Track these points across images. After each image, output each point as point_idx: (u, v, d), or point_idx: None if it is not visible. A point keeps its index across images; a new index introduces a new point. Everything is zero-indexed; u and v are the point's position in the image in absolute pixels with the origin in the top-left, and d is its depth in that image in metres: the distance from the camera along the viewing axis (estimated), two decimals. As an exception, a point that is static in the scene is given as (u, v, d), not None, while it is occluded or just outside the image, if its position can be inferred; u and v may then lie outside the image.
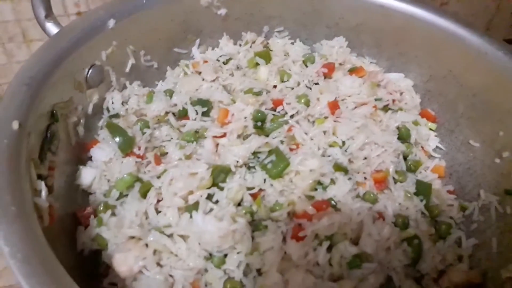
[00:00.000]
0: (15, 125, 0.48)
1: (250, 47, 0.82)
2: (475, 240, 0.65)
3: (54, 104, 0.58)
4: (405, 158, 0.73)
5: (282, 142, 0.68)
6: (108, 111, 0.70)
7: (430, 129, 0.78)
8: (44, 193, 0.48)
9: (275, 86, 0.76)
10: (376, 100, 0.74)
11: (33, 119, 0.52)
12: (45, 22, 0.62)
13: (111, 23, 0.66)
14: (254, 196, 0.62)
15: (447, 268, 0.62)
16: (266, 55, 0.79)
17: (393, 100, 0.76)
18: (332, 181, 0.63)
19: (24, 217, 0.41)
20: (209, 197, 0.60)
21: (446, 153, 0.77)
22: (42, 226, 0.45)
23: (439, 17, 0.73)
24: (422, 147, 0.76)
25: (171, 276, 0.55)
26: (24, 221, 0.41)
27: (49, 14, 0.62)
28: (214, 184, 0.62)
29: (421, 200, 0.67)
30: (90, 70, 0.65)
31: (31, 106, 0.52)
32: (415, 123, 0.76)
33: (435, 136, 0.78)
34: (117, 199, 0.62)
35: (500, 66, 0.67)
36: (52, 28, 0.62)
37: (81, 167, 0.63)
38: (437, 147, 0.78)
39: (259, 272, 0.57)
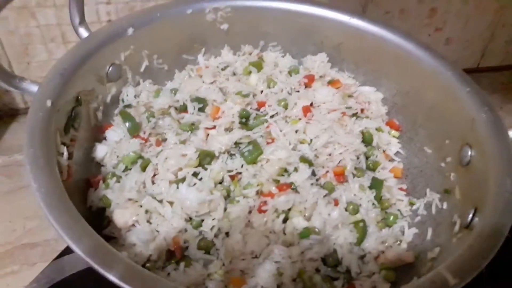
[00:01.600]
0: (48, 103, 0.64)
1: (247, 57, 0.97)
2: (415, 230, 0.77)
3: (79, 91, 0.74)
4: (367, 158, 0.86)
5: (262, 136, 0.83)
6: (123, 101, 0.86)
7: (394, 136, 0.90)
8: (65, 154, 0.64)
9: (262, 91, 0.91)
10: (346, 108, 0.88)
11: (62, 100, 0.68)
12: (79, 27, 0.79)
13: (130, 31, 0.82)
14: (232, 177, 0.77)
15: (386, 248, 0.75)
16: (258, 65, 0.94)
17: (362, 110, 0.89)
18: (296, 169, 0.76)
19: (49, 167, 0.57)
20: (195, 174, 0.75)
21: (405, 158, 0.89)
22: (62, 179, 0.61)
23: (404, 40, 0.86)
24: (384, 150, 0.89)
25: (157, 231, 0.70)
26: (48, 169, 0.56)
27: (82, 21, 0.78)
28: (201, 165, 0.77)
29: (373, 193, 0.80)
30: (111, 68, 0.81)
31: (61, 90, 0.68)
32: (378, 129, 0.89)
33: (398, 142, 0.90)
34: (123, 171, 0.77)
35: (448, 84, 0.79)
36: (84, 33, 0.79)
37: (96, 143, 0.79)
38: (398, 152, 0.90)
39: (227, 234, 0.71)
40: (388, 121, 0.92)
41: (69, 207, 0.52)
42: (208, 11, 0.90)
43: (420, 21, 1.33)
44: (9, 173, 1.03)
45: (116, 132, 0.81)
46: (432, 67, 0.82)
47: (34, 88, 0.68)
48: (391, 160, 0.89)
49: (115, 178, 0.74)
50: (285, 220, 0.71)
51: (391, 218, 0.79)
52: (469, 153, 0.71)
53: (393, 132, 0.90)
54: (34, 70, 1.11)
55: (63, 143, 0.66)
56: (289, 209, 0.72)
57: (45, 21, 1.05)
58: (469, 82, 0.76)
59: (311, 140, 0.82)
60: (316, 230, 0.71)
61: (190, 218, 0.71)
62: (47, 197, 0.52)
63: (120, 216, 0.69)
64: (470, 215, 0.64)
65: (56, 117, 0.65)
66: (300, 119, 0.85)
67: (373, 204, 0.79)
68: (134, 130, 0.80)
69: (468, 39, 1.42)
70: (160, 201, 0.72)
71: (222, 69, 0.94)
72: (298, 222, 0.71)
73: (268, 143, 0.82)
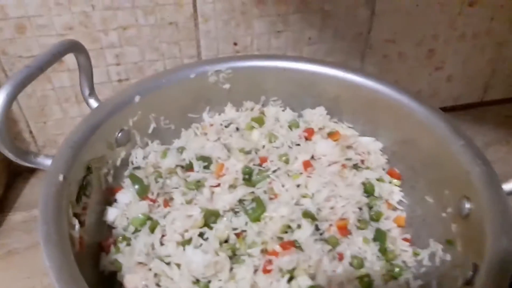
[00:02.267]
0: (61, 177, 0.68)
1: (249, 113, 1.01)
2: (420, 281, 0.78)
3: (90, 160, 0.78)
4: (370, 208, 0.88)
5: (265, 192, 0.86)
6: (132, 164, 0.90)
7: (395, 185, 0.92)
8: (77, 227, 0.68)
9: (264, 146, 0.94)
10: (346, 159, 0.91)
11: (74, 172, 0.72)
12: (88, 99, 0.84)
13: (137, 98, 0.87)
14: (237, 235, 0.80)
15: (392, 302, 0.76)
16: (260, 120, 0.98)
17: (362, 160, 0.92)
18: (299, 226, 0.79)
19: (62, 244, 0.60)
20: (201, 234, 0.78)
21: (408, 206, 0.91)
22: (74, 252, 0.64)
23: (396, 92, 0.89)
24: (386, 200, 0.91)
25: (166, 294, 0.72)
26: (61, 246, 0.60)
27: (92, 93, 0.84)
28: (206, 224, 0.80)
29: (377, 245, 0.82)
30: (120, 133, 0.86)
31: (72, 163, 0.72)
32: (380, 179, 0.91)
33: (400, 191, 0.92)
34: (133, 232, 0.80)
35: (442, 135, 0.80)
36: (93, 103, 0.84)
37: (107, 207, 0.83)
38: (401, 200, 0.92)
39: (234, 296, 0.73)
40: (389, 170, 0.94)
41: (81, 284, 0.55)
42: (211, 74, 0.95)
43: (419, 62, 1.36)
44: (28, 229, 1.07)
45: (126, 194, 0.84)
46: (424, 117, 0.85)
47: (48, 162, 0.72)
48: (395, 209, 0.91)
49: (125, 242, 0.78)
50: (290, 279, 0.73)
51: (396, 270, 0.80)
52: (466, 205, 0.73)
53: (394, 181, 0.92)
54: (50, 128, 1.18)
55: (75, 214, 0.70)
56: (294, 268, 0.74)
57: (60, 84, 1.12)
58: (463, 135, 0.78)
59: (313, 194, 0.84)
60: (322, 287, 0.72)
61: (197, 280, 0.73)
62: (60, 275, 0.55)
63: (131, 281, 0.72)
64: (470, 272, 0.65)
65: (68, 190, 0.69)
66: (301, 173, 0.87)
67: (378, 256, 0.81)
68: (143, 192, 0.84)
69: (469, 75, 1.45)
70: (168, 263, 0.75)
71: (226, 126, 0.98)
72: (303, 281, 0.72)
73: (271, 198, 0.84)
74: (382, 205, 0.89)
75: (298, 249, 0.76)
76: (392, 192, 0.91)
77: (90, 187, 0.78)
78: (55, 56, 0.73)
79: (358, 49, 1.28)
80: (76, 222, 0.68)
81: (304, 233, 0.77)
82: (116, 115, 0.84)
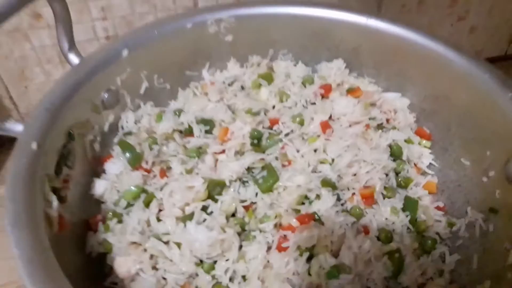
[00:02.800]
0: (33, 145, 0.57)
1: (255, 69, 0.88)
2: (458, 256, 0.68)
3: (71, 125, 0.66)
4: (397, 174, 0.77)
5: (276, 158, 0.74)
6: (123, 128, 0.79)
7: (425, 146, 0.81)
8: (55, 204, 0.57)
9: (274, 106, 0.82)
10: (370, 119, 0.79)
11: (51, 139, 0.60)
12: (68, 54, 0.71)
13: (125, 52, 0.74)
14: (246, 208, 0.69)
15: (427, 281, 0.66)
16: (268, 77, 0.85)
17: (387, 120, 0.80)
18: (318, 196, 0.68)
19: (33, 225, 0.49)
20: (204, 208, 0.67)
21: (439, 170, 0.80)
22: (52, 233, 0.53)
23: (429, 40, 0.76)
24: (415, 164, 0.79)
25: (164, 278, 0.62)
26: (32, 228, 0.49)
27: (72, 46, 0.71)
28: (210, 196, 0.69)
29: (407, 216, 0.71)
30: (106, 94, 0.74)
31: (49, 128, 0.61)
32: (408, 141, 0.79)
33: (430, 153, 0.81)
34: (125, 208, 0.70)
35: (486, 88, 0.69)
36: (74, 59, 0.71)
37: (95, 179, 0.72)
38: (431, 164, 0.80)
39: (244, 278, 0.63)
40: (417, 129, 0.82)
41: (57, 279, 0.45)
42: (210, 23, 0.82)
43: (440, 11, 1.23)
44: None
45: (116, 164, 0.73)
46: (464, 68, 0.72)
47: (20, 127, 0.60)
48: (424, 173, 0.79)
49: (116, 219, 0.67)
50: (309, 258, 0.63)
51: (429, 242, 0.70)
52: (518, 168, 0.62)
53: (424, 142, 0.81)
54: (33, 93, 1.07)
55: (54, 189, 0.59)
56: (313, 245, 0.63)
57: (40, 43, 1.00)
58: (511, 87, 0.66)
59: (333, 159, 0.73)
60: (347, 267, 0.62)
61: (201, 261, 0.63)
62: (30, 266, 0.45)
63: (122, 264, 0.62)
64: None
65: (43, 160, 0.58)
66: (318, 136, 0.76)
67: (408, 228, 0.70)
68: (135, 161, 0.73)
69: (494, 26, 1.33)
70: (167, 243, 0.64)
71: (229, 84, 0.86)
72: (324, 260, 0.62)
73: (284, 166, 0.73)
74: (410, 169, 0.77)
75: (317, 223, 0.65)
76: (421, 154, 0.80)
77: (72, 157, 0.67)
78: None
79: (375, -1, 1.14)
80: (54, 198, 0.57)
81: (324, 204, 0.66)
82: (101, 73, 0.72)
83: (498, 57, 1.41)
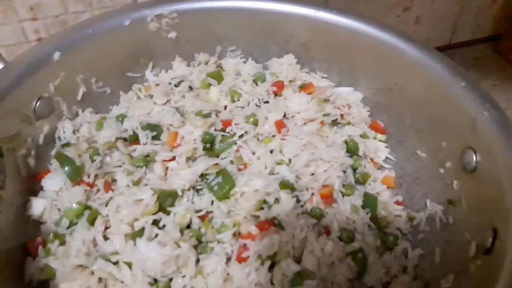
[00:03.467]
0: (-50, 168, 0.50)
1: (203, 68, 0.83)
2: (420, 250, 0.67)
3: (-2, 140, 0.59)
4: (354, 171, 0.75)
5: (232, 162, 0.70)
6: (60, 140, 0.71)
7: (380, 140, 0.79)
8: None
9: (226, 107, 0.78)
10: (324, 115, 0.76)
11: (-28, 158, 0.53)
12: (-12, 58, 0.64)
13: (57, 55, 0.67)
14: (202, 218, 0.64)
15: (392, 280, 0.64)
16: (217, 76, 0.81)
17: (342, 115, 0.78)
18: (277, 200, 0.64)
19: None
20: (156, 222, 0.62)
21: (396, 164, 0.79)
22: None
23: (380, 31, 0.74)
24: (371, 159, 0.78)
25: (116, 303, 0.57)
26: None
27: (-7, 51, 0.63)
28: (162, 209, 0.64)
29: (367, 213, 0.69)
30: (38, 103, 0.67)
31: (-31, 146, 0.53)
32: (364, 136, 0.77)
33: (386, 147, 0.79)
34: (68, 227, 0.63)
35: (439, 79, 0.68)
36: (-4, 64, 0.64)
37: (31, 198, 0.65)
38: (387, 158, 0.79)
39: (203, 294, 0.58)
40: (372, 123, 0.81)
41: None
42: (151, 20, 0.76)
43: (386, 2, 1.23)
44: None
45: (54, 179, 0.66)
46: (416, 59, 0.71)
47: None
48: (381, 168, 0.78)
49: (57, 241, 0.60)
50: (271, 266, 0.59)
51: (391, 239, 0.68)
52: (474, 158, 0.61)
53: (379, 135, 0.79)
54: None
55: (-20, 215, 0.52)
56: (275, 253, 0.60)
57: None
58: (464, 75, 0.65)
59: (290, 160, 0.69)
60: (310, 273, 0.59)
61: (155, 280, 0.58)
62: None
63: (67, 291, 0.55)
64: (490, 238, 0.53)
65: (-37, 183, 0.50)
66: (274, 136, 0.72)
67: (369, 226, 0.68)
68: (76, 175, 0.66)
69: (438, 15, 1.35)
70: (116, 263, 0.59)
71: (176, 85, 0.80)
72: (287, 267, 0.59)
73: (240, 169, 0.69)
74: (367, 165, 0.76)
75: (277, 228, 0.62)
76: (377, 149, 0.78)
77: (2, 176, 0.59)
78: None
79: (321, -11, 1.12)
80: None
81: (283, 208, 0.63)
82: (31, 79, 0.65)
83: (443, 46, 1.43)
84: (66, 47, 0.68)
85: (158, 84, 0.80)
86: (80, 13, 0.94)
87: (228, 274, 0.58)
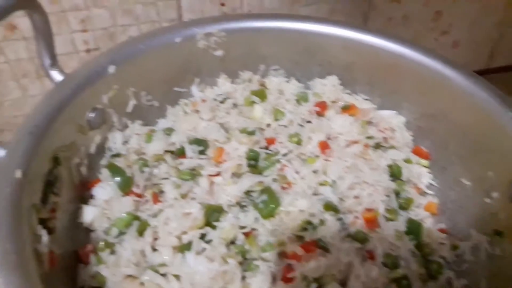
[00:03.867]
0: (18, 173, 0.51)
1: (247, 85, 0.85)
2: (465, 281, 0.66)
3: (57, 149, 0.61)
4: (397, 196, 0.75)
5: (275, 180, 0.71)
6: (110, 150, 0.73)
7: (423, 166, 0.79)
8: (44, 238, 0.51)
9: (269, 125, 0.79)
10: (367, 138, 0.77)
11: (36, 165, 0.55)
12: (50, 70, 0.66)
13: (112, 68, 0.69)
14: (246, 235, 0.65)
15: (435, 309, 0.64)
16: (261, 94, 0.82)
17: (385, 138, 0.78)
18: (322, 222, 0.65)
19: (23, 265, 0.44)
20: (203, 236, 0.63)
21: (439, 190, 0.78)
22: (42, 271, 0.48)
23: (427, 57, 0.75)
24: (414, 184, 0.77)
25: (163, 315, 0.57)
26: (23, 269, 0.44)
27: (54, 63, 0.66)
28: (208, 223, 0.65)
29: (411, 240, 0.69)
30: (92, 114, 0.69)
31: (34, 154, 0.55)
32: (407, 161, 0.77)
33: (428, 173, 0.79)
34: (117, 236, 0.65)
35: (486, 107, 0.68)
36: (57, 76, 0.66)
37: (83, 205, 0.66)
38: (430, 184, 0.79)
39: (249, 312, 0.59)
40: (415, 148, 0.81)
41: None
42: (200, 38, 0.78)
43: (425, 25, 1.24)
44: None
45: (105, 189, 0.68)
46: (462, 87, 0.71)
47: (1, 152, 0.55)
48: (423, 194, 0.78)
49: (108, 250, 0.62)
50: (318, 289, 0.59)
51: (435, 267, 0.68)
52: (524, 191, 0.61)
53: (422, 161, 0.79)
54: (7, 109, 1.01)
55: (41, 220, 0.53)
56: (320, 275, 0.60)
57: (15, 56, 0.94)
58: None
59: (334, 181, 0.70)
60: (355, 298, 0.59)
61: (202, 295, 0.59)
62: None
63: (118, 301, 0.57)
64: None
65: (29, 189, 0.52)
66: (317, 156, 0.73)
67: (412, 252, 0.68)
68: (126, 186, 0.68)
69: (476, 40, 1.34)
70: (164, 275, 0.60)
71: (221, 102, 0.82)
72: (332, 290, 0.59)
73: (283, 188, 0.70)
74: (410, 190, 0.76)
75: (322, 251, 0.62)
76: (420, 174, 0.78)
77: (59, 183, 0.61)
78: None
79: (360, 10, 1.13)
80: (43, 232, 0.52)
81: (329, 229, 0.64)
82: (87, 91, 0.67)
83: (481, 70, 1.43)
84: (120, 61, 0.70)
85: (204, 100, 0.81)
86: (127, 26, 0.97)
87: (274, 293, 0.59)
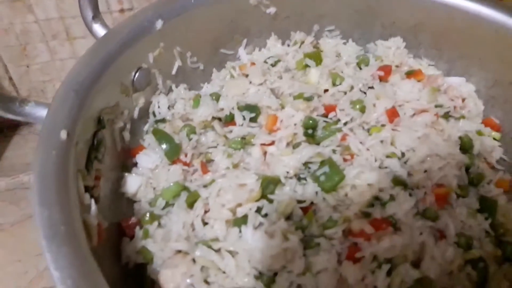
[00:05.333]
0: (63, 134, 0.46)
1: (299, 47, 0.77)
2: (547, 264, 0.60)
3: (101, 110, 0.55)
4: (466, 170, 0.68)
5: (334, 151, 0.64)
6: (154, 115, 0.68)
7: (494, 138, 0.72)
8: (93, 209, 0.46)
9: (326, 90, 0.72)
10: (436, 106, 0.69)
11: (81, 127, 0.49)
12: (92, 24, 0.60)
13: (159, 24, 0.63)
14: (304, 210, 0.59)
15: (517, 295, 0.57)
16: (316, 57, 0.75)
17: (455, 107, 0.70)
18: (392, 197, 0.58)
19: (73, 238, 0.39)
20: (258, 210, 0.57)
21: (510, 166, 0.71)
22: (91, 245, 0.43)
23: (510, 17, 0.66)
24: (484, 158, 0.70)
25: (218, 295, 0.52)
26: (73, 242, 0.38)
27: (96, 15, 0.60)
28: (263, 195, 0.59)
29: (486, 219, 0.62)
30: (137, 74, 0.63)
31: (79, 114, 0.50)
32: (479, 133, 0.70)
33: (499, 146, 0.72)
34: (163, 208, 0.59)
35: None
36: (99, 30, 0.60)
37: (126, 174, 0.61)
38: (501, 158, 0.71)
39: (313, 294, 0.53)
40: (485, 119, 0.73)
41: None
42: (253, -8, 0.70)
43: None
44: (14, 199, 0.86)
45: (150, 156, 0.62)
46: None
47: (42, 112, 0.49)
48: (494, 169, 0.70)
49: (155, 222, 0.56)
50: (389, 271, 0.53)
51: (510, 249, 0.61)
52: None
53: (493, 133, 0.72)
54: (34, 73, 0.95)
55: (86, 188, 0.48)
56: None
57: (45, 15, 0.88)
58: None
59: (403, 153, 0.63)
60: (431, 282, 0.53)
61: (261, 274, 0.53)
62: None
63: (169, 278, 0.51)
64: None
65: (74, 152, 0.47)
66: (383, 125, 0.66)
67: (486, 232, 0.61)
68: (174, 153, 0.62)
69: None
70: (218, 251, 0.54)
71: (272, 65, 0.75)
72: (406, 273, 0.53)
73: (345, 160, 0.63)
74: (481, 164, 0.68)
75: (394, 229, 0.56)
76: (492, 148, 0.70)
77: (103, 148, 0.55)
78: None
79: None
80: (91, 201, 0.46)
81: (401, 206, 0.57)
82: (132, 48, 0.60)
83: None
84: (168, 16, 0.64)
85: (253, 63, 0.74)
86: (166, -16, 0.90)
87: (341, 275, 0.53)
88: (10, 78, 0.94)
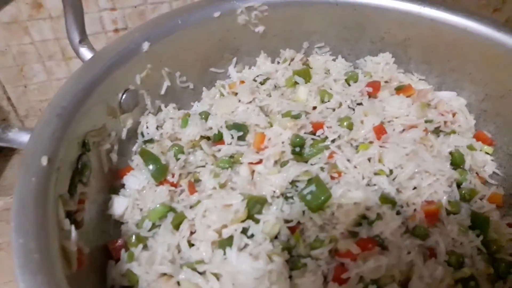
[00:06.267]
0: (44, 161, 0.46)
1: (289, 64, 0.78)
2: (541, 282, 0.58)
3: (86, 133, 0.56)
4: (458, 186, 0.67)
5: (322, 169, 0.64)
6: (143, 135, 0.68)
7: (486, 153, 0.71)
8: (73, 235, 0.46)
9: (314, 108, 0.72)
10: (426, 122, 0.69)
11: (64, 151, 0.50)
12: (79, 47, 0.60)
13: (146, 45, 0.64)
14: (292, 229, 0.58)
15: (509, 315, 0.56)
16: (305, 74, 0.75)
17: (445, 122, 0.70)
18: (379, 216, 0.57)
19: (48, 266, 0.39)
20: (244, 230, 0.57)
21: (504, 180, 0.70)
22: (69, 272, 0.43)
23: (497, 31, 0.66)
24: (477, 173, 0.69)
25: (202, 318, 0.52)
26: (48, 270, 0.38)
27: (83, 39, 0.60)
28: (249, 216, 0.58)
29: (478, 236, 0.61)
30: (124, 95, 0.63)
31: (61, 138, 0.50)
32: (470, 147, 0.69)
33: (492, 160, 0.71)
34: (150, 229, 0.59)
35: None
36: (86, 53, 0.60)
37: (113, 196, 0.61)
38: (494, 172, 0.70)
39: (297, 316, 0.52)
40: (477, 133, 0.72)
41: None
42: (240, 12, 0.71)
43: (476, 2, 1.14)
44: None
45: (137, 177, 0.63)
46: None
47: (25, 137, 0.50)
48: (487, 183, 0.69)
49: (140, 245, 0.56)
50: (375, 292, 0.52)
51: (503, 266, 0.60)
52: None
53: (485, 147, 0.71)
54: (32, 93, 0.97)
55: (69, 213, 0.48)
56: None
57: (40, 36, 0.89)
58: None
59: (391, 170, 0.62)
60: (420, 303, 0.52)
61: (246, 296, 0.53)
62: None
63: (154, 302, 0.51)
64: None
65: (55, 178, 0.47)
66: (371, 142, 0.65)
67: (478, 249, 0.60)
68: (160, 174, 0.62)
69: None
70: (203, 273, 0.54)
71: (261, 83, 0.75)
72: (393, 294, 0.52)
73: (333, 178, 0.63)
74: (473, 179, 0.67)
75: (380, 248, 0.55)
76: (484, 162, 0.69)
77: (88, 171, 0.56)
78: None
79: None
80: (71, 227, 0.46)
81: (388, 225, 0.56)
82: (119, 70, 0.61)
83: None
84: (155, 37, 0.65)
85: (242, 82, 0.75)
86: (158, 3, 0.91)
87: (326, 296, 0.52)
88: (9, 98, 0.96)
